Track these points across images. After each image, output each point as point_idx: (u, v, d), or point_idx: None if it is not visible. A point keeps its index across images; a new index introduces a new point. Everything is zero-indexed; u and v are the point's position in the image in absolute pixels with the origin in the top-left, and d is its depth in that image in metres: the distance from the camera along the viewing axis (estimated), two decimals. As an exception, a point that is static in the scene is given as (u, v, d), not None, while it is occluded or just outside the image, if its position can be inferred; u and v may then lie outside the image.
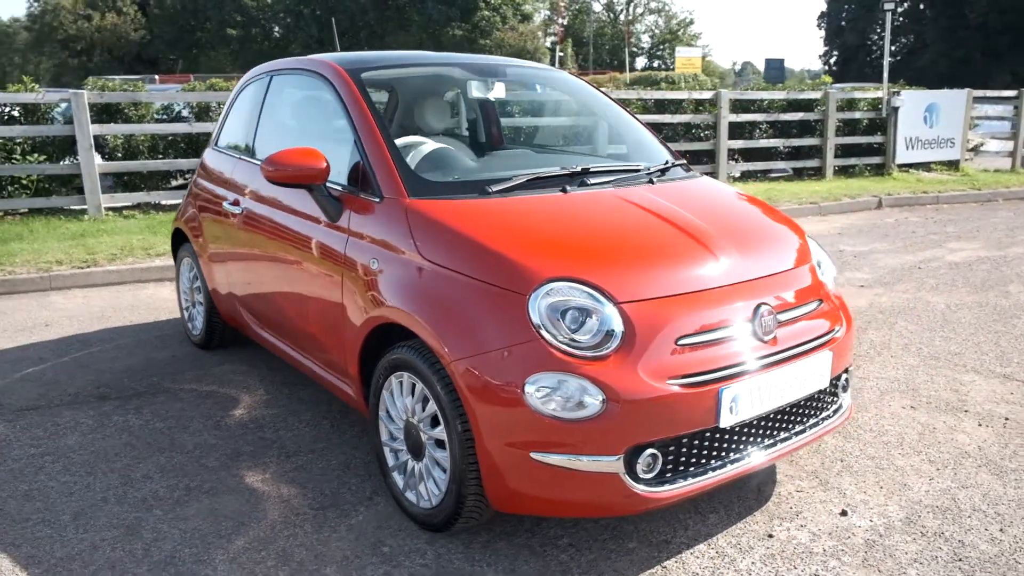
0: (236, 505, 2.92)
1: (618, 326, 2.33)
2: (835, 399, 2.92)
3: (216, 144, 4.43)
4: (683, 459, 2.42)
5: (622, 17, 56.60)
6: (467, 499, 2.49)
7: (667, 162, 3.46)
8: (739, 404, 2.41)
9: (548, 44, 50.71)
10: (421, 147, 3.30)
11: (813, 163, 12.07)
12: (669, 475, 2.40)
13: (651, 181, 3.18)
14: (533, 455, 2.30)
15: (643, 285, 2.44)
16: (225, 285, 4.13)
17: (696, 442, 2.42)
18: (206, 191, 4.30)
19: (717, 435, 2.46)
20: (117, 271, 6.51)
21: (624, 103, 10.67)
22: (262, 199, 3.57)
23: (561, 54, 37.99)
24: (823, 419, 2.84)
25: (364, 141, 2.98)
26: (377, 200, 2.86)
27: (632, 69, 48.90)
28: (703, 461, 2.46)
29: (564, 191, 2.92)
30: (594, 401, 2.25)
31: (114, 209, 8.49)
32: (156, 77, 31.95)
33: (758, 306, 2.54)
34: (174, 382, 4.17)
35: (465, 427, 2.41)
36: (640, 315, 2.36)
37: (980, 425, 3.56)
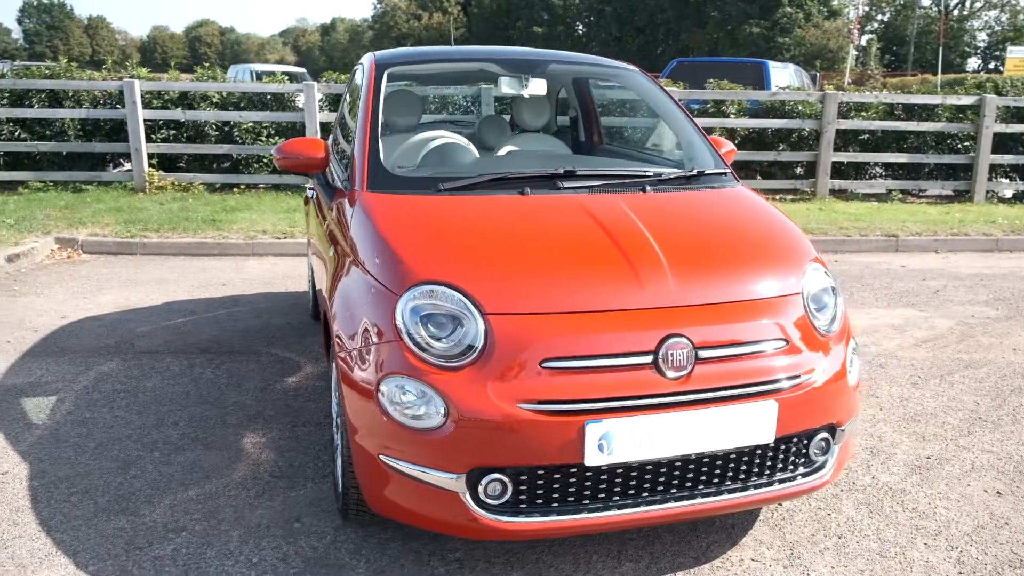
0: (216, 460, 3.20)
1: (479, 338, 2.19)
2: (804, 460, 2.46)
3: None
4: (542, 493, 2.21)
5: (955, 13, 50.19)
6: (350, 491, 2.50)
7: (693, 169, 3.12)
8: (614, 443, 2.14)
9: (863, 42, 46.64)
10: (433, 141, 3.32)
11: (1119, 187, 9.86)
12: (524, 507, 2.21)
13: (643, 189, 2.89)
14: (382, 458, 2.26)
15: (523, 297, 2.26)
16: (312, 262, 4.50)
17: (559, 477, 2.20)
18: (315, 178, 4.70)
19: (589, 474, 2.21)
20: (305, 243, 7.30)
21: (862, 107, 9.62)
22: (313, 187, 3.83)
23: (856, 52, 34.75)
24: (778, 480, 2.41)
25: (356, 132, 3.08)
26: (349, 190, 2.95)
27: (960, 70, 43.33)
28: (572, 500, 2.23)
29: (523, 193, 2.77)
30: (435, 413, 2.15)
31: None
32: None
33: (667, 337, 2.22)
34: (267, 345, 4.63)
35: (344, 420, 2.43)
36: (506, 329, 2.20)
37: (1075, 532, 2.76)
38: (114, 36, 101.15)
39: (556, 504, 2.22)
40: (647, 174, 3.02)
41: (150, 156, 8.93)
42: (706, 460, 2.30)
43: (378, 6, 74.15)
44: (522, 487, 2.20)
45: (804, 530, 2.74)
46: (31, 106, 9.02)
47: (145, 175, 8.83)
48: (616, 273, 2.36)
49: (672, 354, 2.21)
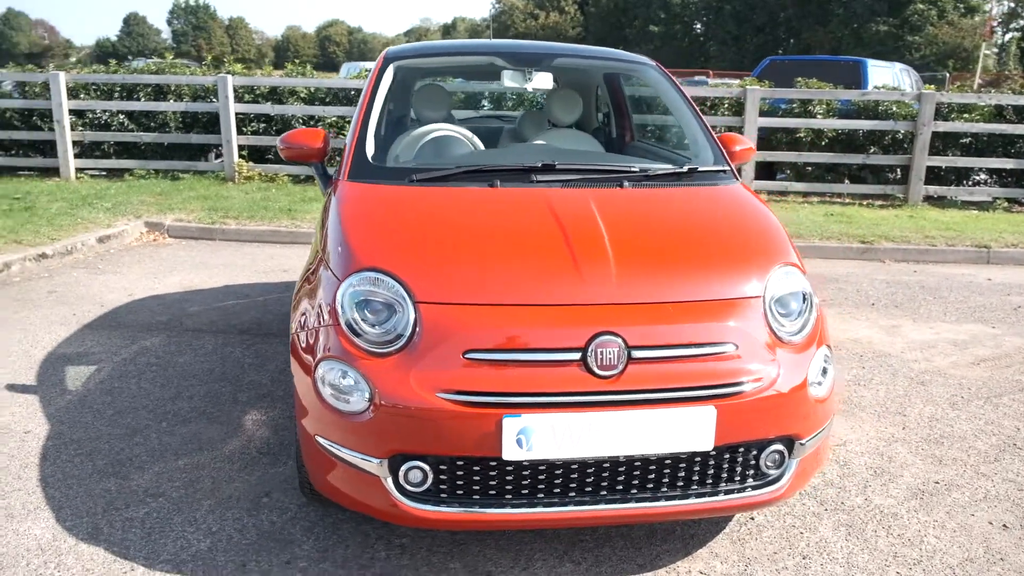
0: (214, 434, 3.36)
1: (408, 327, 2.21)
2: (755, 471, 2.34)
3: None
4: (463, 484, 2.21)
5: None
6: (301, 470, 2.58)
7: (685, 166, 3.03)
8: (532, 439, 2.12)
9: (1004, 40, 43.56)
10: (431, 134, 3.36)
11: None
12: (445, 496, 2.22)
13: (620, 185, 2.83)
14: (317, 438, 2.32)
15: (455, 288, 2.26)
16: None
17: (479, 469, 2.19)
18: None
19: (511, 469, 2.18)
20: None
21: (965, 109, 8.99)
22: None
23: (987, 52, 32.38)
24: (723, 491, 2.31)
25: (352, 123, 3.16)
26: (336, 179, 3.04)
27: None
28: (494, 494, 2.21)
29: (492, 185, 2.77)
30: (360, 398, 2.19)
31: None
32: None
33: (597, 334, 2.17)
34: (301, 330, 4.80)
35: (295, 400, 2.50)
36: (434, 318, 2.21)
37: (1079, 573, 2.50)
38: (251, 36, 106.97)
39: (478, 497, 2.22)
40: (630, 170, 2.95)
41: (240, 148, 9.41)
42: (639, 463, 2.23)
43: (496, 6, 75.17)
44: (443, 477, 2.21)
45: (768, 547, 2.61)
46: (138, 99, 9.68)
47: (235, 165, 9.32)
48: (556, 268, 2.33)
49: (602, 352, 2.16)
